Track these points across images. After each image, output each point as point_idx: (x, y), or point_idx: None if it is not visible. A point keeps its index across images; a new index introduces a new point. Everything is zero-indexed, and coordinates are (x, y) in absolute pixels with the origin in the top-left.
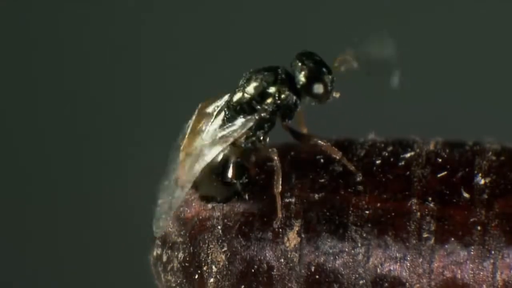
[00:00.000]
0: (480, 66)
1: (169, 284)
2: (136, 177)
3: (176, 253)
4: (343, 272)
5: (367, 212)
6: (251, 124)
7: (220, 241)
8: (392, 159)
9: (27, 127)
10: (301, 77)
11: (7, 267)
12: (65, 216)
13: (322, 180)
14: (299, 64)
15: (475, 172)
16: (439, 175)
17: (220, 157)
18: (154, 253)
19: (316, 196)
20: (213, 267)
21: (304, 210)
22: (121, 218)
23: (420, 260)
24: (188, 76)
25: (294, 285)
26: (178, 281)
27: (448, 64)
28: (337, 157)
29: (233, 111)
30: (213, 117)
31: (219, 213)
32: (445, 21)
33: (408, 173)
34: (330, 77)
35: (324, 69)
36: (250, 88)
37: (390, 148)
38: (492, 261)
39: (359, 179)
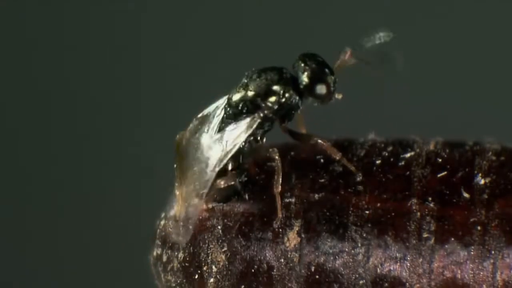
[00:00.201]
0: (480, 66)
1: (169, 284)
2: (136, 177)
3: (176, 253)
4: (343, 272)
5: (367, 212)
6: (257, 122)
7: (220, 241)
8: (392, 159)
9: (27, 127)
10: (304, 78)
11: (7, 267)
12: (65, 216)
13: (322, 180)
14: (302, 65)
15: (475, 172)
16: (439, 175)
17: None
18: (154, 253)
19: (316, 196)
20: (213, 267)
21: (304, 210)
22: (121, 218)
23: (420, 260)
24: (188, 76)
25: (294, 285)
26: (178, 281)
27: (448, 64)
28: (337, 158)
29: (235, 109)
30: (212, 123)
31: (219, 213)
32: (445, 21)
33: (408, 173)
34: (332, 78)
35: (326, 70)
36: (255, 86)
37: (390, 148)
38: (492, 261)
39: (359, 179)
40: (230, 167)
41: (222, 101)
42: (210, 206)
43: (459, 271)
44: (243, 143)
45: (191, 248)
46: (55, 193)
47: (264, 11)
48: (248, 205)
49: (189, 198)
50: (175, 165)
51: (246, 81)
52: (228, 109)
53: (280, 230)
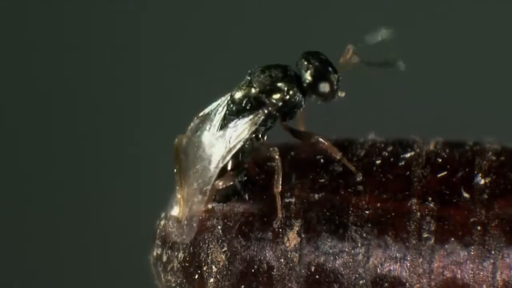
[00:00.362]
0: (480, 66)
1: (169, 284)
2: (136, 177)
3: (176, 253)
4: (343, 272)
5: (367, 212)
6: (261, 119)
7: (220, 241)
8: (392, 159)
9: (27, 127)
10: (308, 76)
11: (7, 267)
12: (65, 216)
13: (322, 180)
14: (305, 63)
15: (475, 172)
16: (439, 175)
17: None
18: (154, 253)
19: (316, 196)
20: (213, 267)
21: (304, 210)
22: (121, 218)
23: (420, 260)
24: (188, 76)
25: (294, 285)
26: (178, 281)
27: (448, 64)
28: (337, 157)
29: (239, 105)
30: (214, 120)
31: (219, 213)
32: (445, 21)
33: (408, 173)
34: (336, 76)
35: (330, 68)
36: (259, 82)
37: (390, 148)
38: (492, 261)
39: (359, 179)
40: (229, 167)
41: (223, 99)
42: (210, 206)
43: (459, 271)
44: (246, 140)
45: (191, 248)
46: (55, 193)
47: (264, 11)
48: (248, 205)
49: (192, 196)
50: (175, 170)
51: (249, 78)
52: (231, 105)
53: (280, 230)
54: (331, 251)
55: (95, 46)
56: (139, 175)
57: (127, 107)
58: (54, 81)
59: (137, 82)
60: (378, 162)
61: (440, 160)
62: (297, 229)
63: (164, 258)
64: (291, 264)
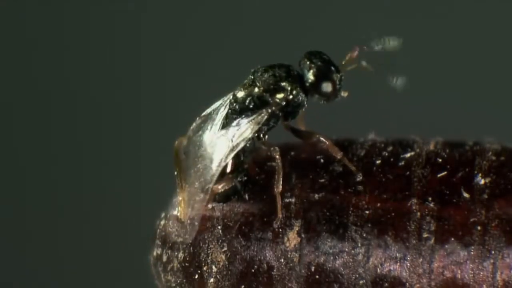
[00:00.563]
0: (480, 66)
1: (169, 284)
2: (136, 177)
3: (176, 253)
4: (343, 272)
5: (367, 212)
6: (264, 118)
7: (220, 241)
8: (392, 159)
9: (27, 127)
10: (310, 75)
11: (7, 267)
12: (65, 216)
13: (322, 180)
14: (308, 62)
15: (475, 172)
16: (439, 175)
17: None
18: (154, 253)
19: (316, 196)
20: (213, 267)
21: (304, 210)
22: (121, 218)
23: (420, 260)
24: (188, 76)
25: (294, 285)
26: (178, 281)
27: (448, 64)
28: (338, 156)
29: (242, 104)
30: (216, 120)
31: (219, 213)
32: (445, 21)
33: (408, 173)
34: (338, 75)
35: (332, 68)
36: (263, 81)
37: (390, 148)
38: (492, 261)
39: (359, 179)
40: (230, 167)
41: (225, 99)
42: (210, 206)
43: (459, 271)
44: (248, 139)
45: (191, 248)
46: (55, 193)
47: (264, 11)
48: (248, 205)
49: (193, 195)
50: (175, 172)
51: (253, 77)
52: (234, 104)
53: (280, 230)
54: (331, 251)
55: (95, 46)
56: (139, 175)
57: (127, 107)
58: (54, 81)
59: (137, 82)
60: (378, 162)
61: (440, 160)
62: (297, 229)
63: (164, 258)
64: (291, 264)
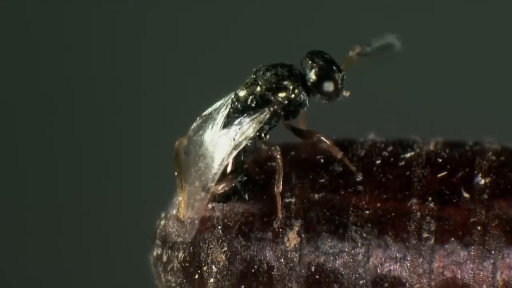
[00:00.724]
0: (480, 66)
1: (169, 284)
2: (136, 177)
3: (176, 253)
4: (343, 272)
5: (367, 212)
6: (267, 117)
7: (220, 241)
8: (392, 159)
9: (27, 127)
10: (312, 75)
11: (7, 267)
12: (65, 216)
13: (322, 180)
14: (310, 62)
15: (475, 172)
16: (439, 175)
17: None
18: (154, 253)
19: (316, 196)
20: (213, 267)
21: (304, 210)
22: (121, 218)
23: (420, 260)
24: (188, 76)
25: (294, 285)
26: (178, 281)
27: (448, 64)
28: (339, 156)
29: (244, 103)
30: (217, 119)
31: (219, 213)
32: (445, 21)
33: (408, 173)
34: (340, 75)
35: (334, 67)
36: (265, 80)
37: (390, 148)
38: (492, 261)
39: (359, 179)
40: (229, 168)
41: (226, 99)
42: (210, 206)
43: (459, 271)
44: (250, 138)
45: (191, 248)
46: (55, 193)
47: (265, 11)
48: (248, 205)
49: (194, 194)
50: (175, 173)
51: (254, 76)
52: (236, 103)
53: (280, 230)
54: (331, 251)
55: (95, 46)
56: (139, 175)
57: (127, 107)
58: (54, 81)
59: (137, 82)
60: (378, 162)
61: (440, 160)
62: (297, 229)
63: (164, 258)
64: (291, 264)
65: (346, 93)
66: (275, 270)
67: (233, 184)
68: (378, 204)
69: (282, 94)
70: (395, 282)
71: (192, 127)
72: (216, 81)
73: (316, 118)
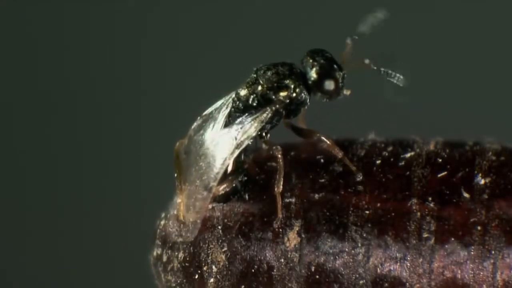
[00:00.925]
0: (480, 66)
1: (169, 284)
2: (136, 177)
3: (176, 253)
4: (343, 272)
5: (367, 212)
6: (268, 116)
7: (220, 241)
8: (392, 159)
9: (27, 127)
10: (313, 73)
11: (7, 267)
12: (65, 216)
13: (322, 180)
14: (311, 60)
15: (475, 172)
16: (439, 175)
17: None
18: (154, 253)
19: (316, 196)
20: (213, 267)
21: (304, 210)
22: (121, 218)
23: (420, 260)
24: (188, 76)
25: (294, 285)
26: (178, 281)
27: (448, 64)
28: (339, 156)
29: (245, 102)
30: (218, 119)
31: (219, 213)
32: (445, 21)
33: (408, 173)
34: (341, 73)
35: (335, 66)
36: (267, 79)
37: (390, 148)
38: (492, 261)
39: (359, 179)
40: (230, 168)
41: (227, 98)
42: (210, 206)
43: (459, 271)
44: (252, 137)
45: (191, 248)
46: (55, 193)
47: (265, 11)
48: (248, 205)
49: (194, 194)
50: (175, 174)
51: (255, 75)
52: (238, 102)
53: (280, 230)
54: (331, 251)
55: (95, 46)
56: (139, 175)
57: (127, 107)
58: (54, 81)
59: (137, 82)
60: (378, 162)
61: (440, 160)
62: (297, 229)
63: (164, 258)
64: (291, 264)
65: (346, 92)
66: (275, 270)
67: (234, 184)
68: (378, 204)
69: (283, 93)
70: (395, 282)
71: (192, 126)
72: (216, 81)
73: (316, 117)
